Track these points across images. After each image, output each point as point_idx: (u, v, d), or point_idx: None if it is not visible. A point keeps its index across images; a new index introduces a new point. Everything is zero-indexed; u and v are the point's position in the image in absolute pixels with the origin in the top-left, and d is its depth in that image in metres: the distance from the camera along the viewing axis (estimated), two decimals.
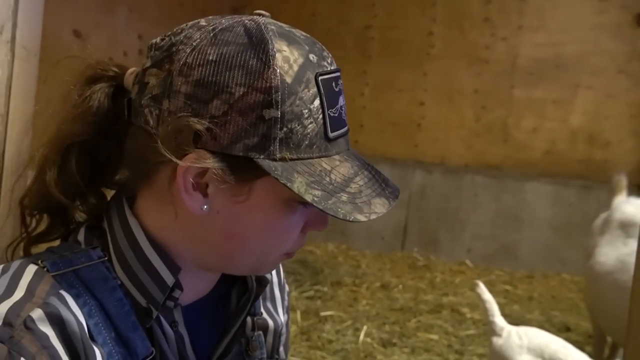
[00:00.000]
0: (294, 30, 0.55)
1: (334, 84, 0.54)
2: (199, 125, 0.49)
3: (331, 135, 0.52)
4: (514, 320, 2.85)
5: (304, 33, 0.56)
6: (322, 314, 2.65)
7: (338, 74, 0.55)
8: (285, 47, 0.51)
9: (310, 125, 0.51)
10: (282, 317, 0.74)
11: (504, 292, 3.37)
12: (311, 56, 0.53)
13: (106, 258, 0.54)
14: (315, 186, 0.50)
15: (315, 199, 0.49)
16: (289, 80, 0.50)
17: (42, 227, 0.60)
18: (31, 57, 0.76)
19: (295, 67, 0.51)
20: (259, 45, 0.50)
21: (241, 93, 0.49)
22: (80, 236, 0.57)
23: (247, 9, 4.10)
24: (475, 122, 4.20)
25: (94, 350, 0.48)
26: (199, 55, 0.50)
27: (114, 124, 0.57)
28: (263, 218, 0.54)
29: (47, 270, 0.50)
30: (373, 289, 3.19)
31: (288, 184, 0.49)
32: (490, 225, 4.08)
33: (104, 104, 0.57)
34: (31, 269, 0.50)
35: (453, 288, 3.36)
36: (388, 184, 0.58)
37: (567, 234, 3.86)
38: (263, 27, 0.52)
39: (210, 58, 0.50)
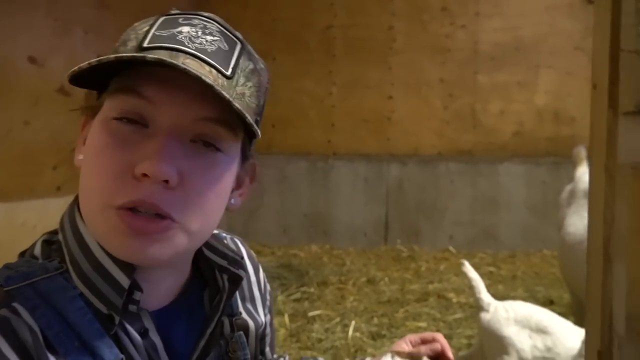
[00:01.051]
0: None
1: (181, 19, 0.54)
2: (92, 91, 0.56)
3: (145, 45, 0.51)
4: (499, 299, 2.90)
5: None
6: (310, 314, 2.65)
7: (201, 18, 0.55)
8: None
9: (130, 43, 0.52)
10: (263, 317, 0.73)
11: (488, 274, 3.42)
12: (174, 10, 0.56)
13: (64, 269, 0.53)
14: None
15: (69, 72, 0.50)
16: (135, 24, 0.55)
17: None
18: None
19: (151, 19, 0.55)
20: None
21: None
22: (37, 251, 0.56)
23: None
24: (444, 111, 4.26)
25: None
26: None
27: None
28: (87, 145, 0.54)
29: (1, 286, 0.50)
30: (359, 284, 3.21)
31: (67, 74, 0.50)
32: (469, 211, 4.14)
33: None
34: None
35: (438, 275, 3.40)
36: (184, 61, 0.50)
37: (544, 212, 3.95)
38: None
39: None
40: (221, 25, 0.55)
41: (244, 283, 0.70)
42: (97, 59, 0.47)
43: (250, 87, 0.55)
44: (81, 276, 0.53)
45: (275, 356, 0.81)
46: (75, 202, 0.58)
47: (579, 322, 2.24)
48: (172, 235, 0.52)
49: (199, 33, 0.52)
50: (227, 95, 0.48)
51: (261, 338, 0.72)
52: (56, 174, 2.83)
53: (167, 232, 0.51)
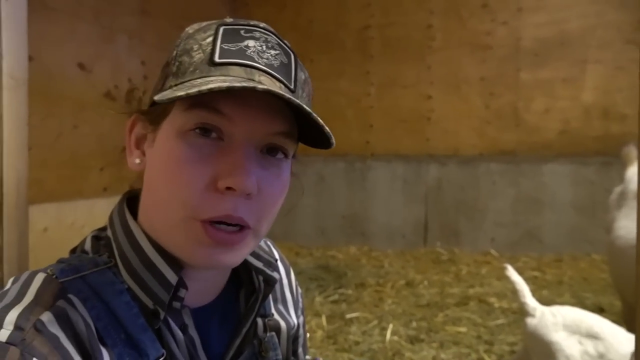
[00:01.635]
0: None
1: (242, 31, 0.54)
2: (139, 92, 0.55)
3: (217, 60, 0.51)
4: (545, 305, 2.79)
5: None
6: (348, 316, 2.64)
7: (260, 29, 0.55)
8: (208, 21, 0.57)
9: (197, 55, 0.52)
10: (295, 319, 0.74)
11: (532, 279, 3.30)
12: (228, 19, 0.56)
13: (112, 263, 0.55)
14: (170, 91, 0.50)
15: (159, 97, 0.48)
16: (190, 31, 0.55)
17: None
18: (20, 86, 0.78)
19: (203, 24, 0.55)
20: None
21: (167, 58, 0.56)
22: (87, 246, 0.59)
23: None
24: (484, 110, 4.15)
25: (101, 352, 0.49)
26: None
27: None
28: (159, 155, 0.54)
29: (56, 277, 0.52)
30: (398, 287, 3.16)
31: (155, 97, 0.50)
32: (512, 212, 4.01)
33: None
34: (40, 277, 0.52)
35: (479, 279, 3.31)
36: (276, 87, 0.50)
37: (592, 213, 3.78)
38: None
39: None
40: (277, 37, 0.56)
41: (276, 285, 0.71)
42: (209, 87, 0.45)
43: (305, 96, 0.58)
44: (130, 271, 0.55)
45: (308, 357, 0.81)
46: (124, 200, 0.60)
47: (631, 330, 2.12)
48: (247, 242, 0.54)
49: (264, 47, 0.53)
50: (312, 112, 0.50)
51: (293, 339, 0.73)
52: (102, 176, 2.94)
53: (244, 240, 0.54)
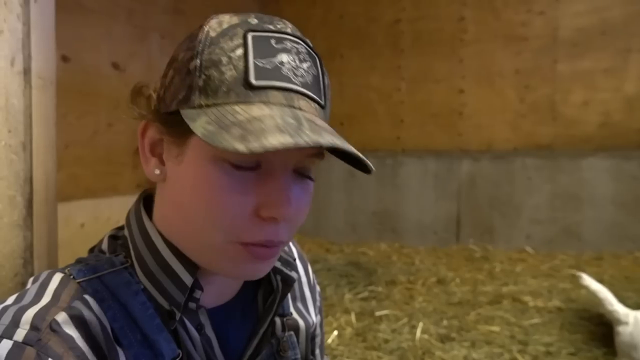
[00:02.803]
0: (261, 14, 0.56)
1: (273, 41, 0.51)
2: (151, 91, 0.55)
3: (255, 83, 0.48)
4: (582, 305, 2.70)
5: (273, 16, 0.56)
6: (377, 313, 2.61)
7: (289, 36, 0.52)
8: (226, 16, 0.53)
9: (229, 72, 0.49)
10: (314, 317, 0.73)
11: (570, 277, 3.19)
12: (252, 20, 0.52)
13: (129, 264, 0.56)
14: (214, 124, 0.47)
15: (205, 132, 0.46)
16: (213, 34, 0.51)
17: None
18: (48, 86, 0.80)
19: (225, 25, 0.51)
20: (208, 19, 0.54)
21: (181, 57, 0.53)
22: (104, 246, 0.60)
23: None
24: (519, 104, 4.03)
25: (117, 353, 0.50)
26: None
27: None
28: (193, 177, 0.51)
29: (73, 278, 0.53)
30: (429, 284, 3.11)
31: (190, 123, 0.48)
32: (548, 208, 3.89)
33: None
34: (57, 277, 0.53)
35: (514, 277, 3.22)
36: (320, 133, 0.47)
37: (634, 209, 3.61)
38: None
39: (180, 42, 0.56)
40: (305, 43, 0.54)
41: (295, 283, 0.70)
42: (273, 145, 0.43)
43: (329, 101, 0.57)
44: (146, 272, 0.55)
45: (325, 359, 0.80)
46: (141, 200, 0.61)
47: None
48: (279, 251, 0.57)
49: (297, 61, 0.51)
50: (353, 150, 0.49)
51: (312, 338, 0.72)
52: (135, 173, 3.01)
53: (279, 252, 0.56)
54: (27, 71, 0.76)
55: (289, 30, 0.53)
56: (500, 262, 3.56)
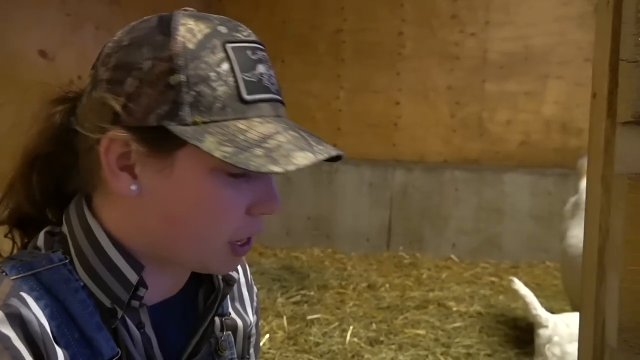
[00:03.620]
0: (211, 14, 0.56)
1: (249, 52, 0.53)
2: (113, 101, 0.51)
3: (247, 97, 0.51)
4: (500, 309, 2.89)
5: (224, 16, 0.57)
6: (309, 317, 2.65)
7: (257, 45, 0.55)
8: (191, 22, 0.53)
9: (220, 88, 0.50)
10: (251, 317, 0.74)
11: (490, 284, 3.40)
12: (220, 27, 0.53)
13: (67, 260, 0.54)
14: (227, 144, 0.48)
15: (226, 155, 0.48)
16: (191, 46, 0.51)
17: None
18: None
19: (200, 36, 0.51)
20: (165, 22, 0.53)
21: (149, 66, 0.50)
22: (40, 242, 0.57)
23: None
24: (451, 118, 4.25)
25: (56, 352, 0.48)
26: (116, 44, 0.54)
27: (74, 138, 0.58)
28: (191, 192, 0.52)
29: (6, 274, 0.50)
30: (359, 289, 3.20)
31: (198, 144, 0.48)
32: (473, 219, 4.12)
33: (65, 121, 0.59)
34: None
35: (440, 283, 3.38)
36: (321, 143, 0.54)
37: (548, 223, 3.91)
38: (176, 12, 0.54)
39: (124, 44, 0.53)
40: (263, 46, 0.57)
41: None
42: (297, 164, 0.49)
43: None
44: (87, 268, 0.54)
45: None
46: (82, 197, 0.59)
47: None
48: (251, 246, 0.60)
49: (269, 70, 0.54)
50: (340, 154, 0.55)
51: (248, 337, 0.73)
52: None
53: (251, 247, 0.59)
54: None
55: (254, 38, 0.55)
56: (428, 269, 3.73)
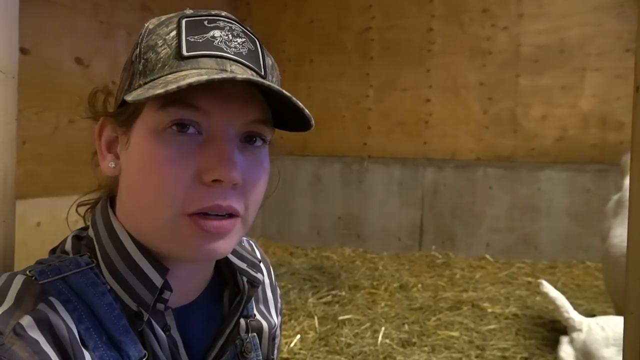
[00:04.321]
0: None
1: (206, 22, 0.53)
2: (102, 93, 0.57)
3: (186, 54, 0.50)
4: (537, 311, 2.80)
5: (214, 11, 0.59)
6: (340, 318, 2.63)
7: (222, 19, 0.55)
8: (168, 14, 0.56)
9: (163, 51, 0.51)
10: (275, 319, 0.74)
11: (526, 284, 3.30)
12: (187, 11, 0.55)
13: (94, 264, 0.54)
14: (143, 89, 0.49)
15: (134, 97, 0.48)
16: (151, 26, 0.55)
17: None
18: (9, 80, 0.77)
19: (163, 18, 0.55)
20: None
21: (129, 56, 0.56)
22: (68, 246, 0.58)
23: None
24: (483, 115, 4.15)
25: (83, 355, 0.49)
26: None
27: None
28: (138, 157, 0.53)
29: (35, 279, 0.51)
30: (391, 290, 3.16)
31: (126, 98, 0.50)
32: (507, 218, 4.02)
33: None
34: (19, 279, 0.51)
35: (473, 284, 3.31)
36: (243, 75, 0.49)
37: (587, 221, 3.78)
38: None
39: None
40: (240, 25, 0.56)
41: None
42: (188, 82, 0.45)
43: (275, 81, 0.57)
44: (113, 273, 0.54)
45: None
46: (107, 200, 0.59)
47: None
48: (237, 229, 0.54)
49: (230, 36, 0.53)
50: (292, 97, 0.50)
51: (272, 339, 0.73)
52: (97, 172, 2.92)
53: (235, 227, 0.54)
54: None
55: (223, 14, 0.56)
56: (461, 269, 3.65)
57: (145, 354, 0.53)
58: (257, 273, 0.66)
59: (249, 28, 0.57)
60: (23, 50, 2.46)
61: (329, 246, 4.26)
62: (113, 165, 0.56)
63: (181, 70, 0.50)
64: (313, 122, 0.54)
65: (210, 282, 0.65)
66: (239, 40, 0.53)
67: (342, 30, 4.44)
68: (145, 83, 0.51)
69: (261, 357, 0.67)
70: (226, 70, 0.50)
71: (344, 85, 4.44)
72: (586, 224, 3.78)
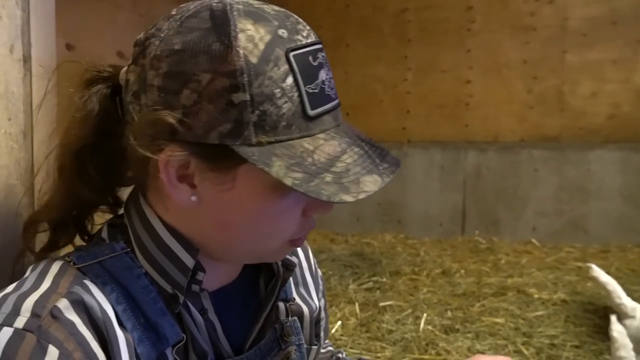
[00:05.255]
0: (265, 6, 0.53)
1: (310, 58, 0.51)
2: (170, 117, 0.49)
3: (311, 113, 0.50)
4: (587, 297, 2.69)
5: (277, 8, 0.54)
6: (381, 304, 2.62)
7: (317, 46, 0.52)
8: (250, 26, 0.49)
9: (285, 105, 0.48)
10: (317, 302, 0.74)
11: (576, 270, 3.17)
12: (281, 31, 0.50)
13: (129, 249, 0.56)
14: (296, 168, 0.48)
15: (296, 182, 0.47)
16: (254, 60, 0.48)
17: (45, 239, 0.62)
18: (48, 74, 0.79)
19: (262, 46, 0.49)
20: (221, 27, 0.49)
21: (208, 79, 0.48)
22: (104, 234, 0.60)
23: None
24: (527, 94, 3.99)
25: (117, 336, 0.50)
26: (166, 46, 0.50)
27: (118, 123, 0.57)
28: (252, 206, 0.52)
29: (73, 264, 0.53)
30: (433, 276, 3.11)
31: (266, 169, 0.47)
32: (554, 201, 3.86)
33: (104, 105, 0.58)
34: (57, 264, 0.53)
35: (519, 269, 3.21)
36: (385, 159, 0.55)
37: None
38: (228, 7, 0.50)
39: (176, 47, 0.50)
40: (321, 44, 0.54)
41: (297, 268, 0.71)
42: (366, 191, 0.49)
43: None
44: (147, 256, 0.55)
45: (327, 342, 0.81)
46: (139, 190, 0.60)
47: None
48: None
49: (328, 73, 0.53)
50: (398, 167, 0.55)
51: (316, 322, 0.73)
52: None
53: None
54: (27, 59, 0.75)
55: (313, 38, 0.53)
56: (506, 254, 3.55)
57: (183, 337, 0.53)
58: (291, 256, 0.66)
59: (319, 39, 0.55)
60: (68, 46, 2.54)
61: (369, 232, 4.24)
62: (195, 199, 0.52)
63: (313, 135, 0.51)
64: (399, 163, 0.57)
65: (245, 267, 0.65)
66: (331, 74, 0.54)
67: (378, 12, 4.35)
68: (269, 142, 0.48)
69: (303, 341, 0.67)
70: (339, 124, 0.54)
71: (381, 69, 4.36)
72: None
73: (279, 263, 0.64)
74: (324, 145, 0.51)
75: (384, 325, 2.36)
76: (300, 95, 0.49)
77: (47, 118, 0.81)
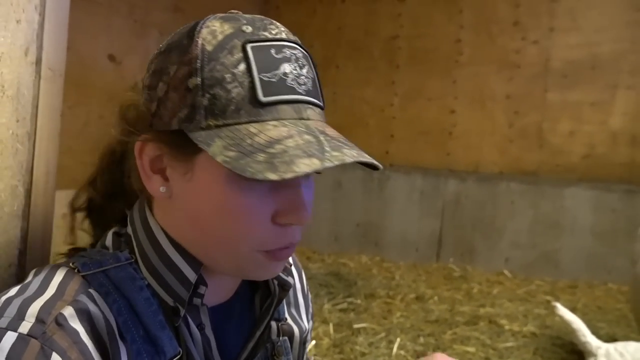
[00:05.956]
0: (247, 15, 0.55)
1: (273, 51, 0.51)
2: (146, 106, 0.54)
3: (263, 99, 0.49)
4: (556, 332, 2.74)
5: (259, 16, 0.55)
6: (355, 326, 2.62)
7: (286, 43, 0.52)
8: (216, 23, 0.52)
9: (235, 90, 0.49)
10: (306, 323, 0.74)
11: (545, 303, 3.24)
12: (245, 27, 0.52)
13: (133, 260, 0.56)
14: (232, 148, 0.47)
15: (227, 159, 0.47)
16: (209, 48, 0.50)
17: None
18: (57, 77, 0.80)
19: (220, 37, 0.51)
20: (194, 26, 0.53)
21: (174, 70, 0.51)
22: (108, 242, 0.60)
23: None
24: (508, 128, 4.10)
25: (118, 348, 0.50)
26: (157, 51, 0.56)
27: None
28: (212, 197, 0.52)
29: (78, 271, 0.53)
30: (407, 300, 3.13)
31: (206, 148, 0.48)
32: (529, 234, 3.95)
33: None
34: (62, 270, 0.53)
35: (491, 299, 3.26)
36: (340, 149, 0.49)
37: (612, 241, 3.69)
38: (211, 15, 0.54)
39: (162, 49, 0.55)
40: (298, 45, 0.54)
41: (290, 289, 0.72)
42: (303, 171, 0.45)
43: (324, 98, 0.58)
44: (150, 268, 0.56)
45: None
46: (145, 198, 0.61)
47: None
48: (293, 251, 0.59)
49: (298, 69, 0.52)
50: (369, 160, 0.50)
51: (303, 343, 0.73)
52: None
53: (293, 252, 0.59)
54: (38, 62, 0.75)
55: (284, 36, 0.53)
56: (479, 283, 3.61)
57: (180, 351, 0.54)
58: (287, 277, 0.66)
59: (301, 44, 0.55)
60: None
61: (347, 252, 4.26)
62: (164, 190, 0.55)
63: (262, 121, 0.49)
64: (380, 166, 0.53)
65: (242, 285, 0.66)
66: (304, 71, 0.52)
67: (369, 37, 4.45)
68: (217, 126, 0.49)
69: None
70: (303, 118, 0.51)
71: (369, 92, 4.44)
72: (611, 245, 3.69)
73: (275, 282, 0.65)
74: (271, 130, 0.48)
75: (357, 347, 2.37)
76: (252, 82, 0.49)
77: (51, 121, 0.81)
